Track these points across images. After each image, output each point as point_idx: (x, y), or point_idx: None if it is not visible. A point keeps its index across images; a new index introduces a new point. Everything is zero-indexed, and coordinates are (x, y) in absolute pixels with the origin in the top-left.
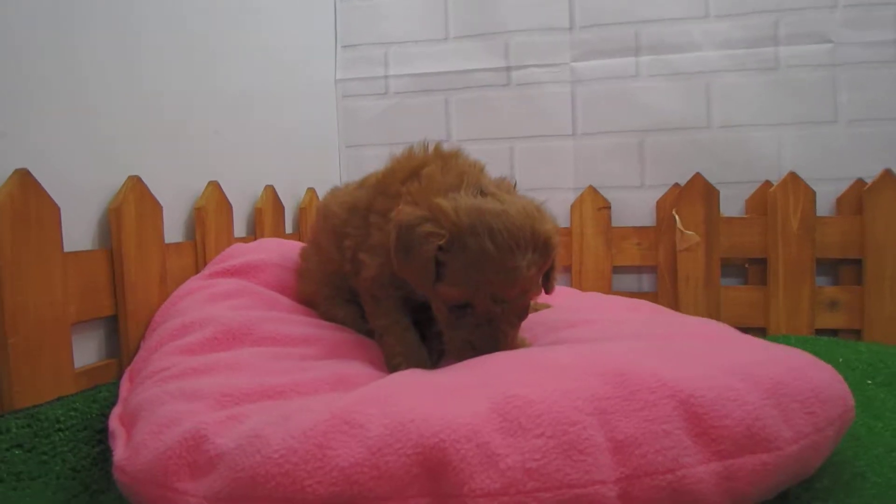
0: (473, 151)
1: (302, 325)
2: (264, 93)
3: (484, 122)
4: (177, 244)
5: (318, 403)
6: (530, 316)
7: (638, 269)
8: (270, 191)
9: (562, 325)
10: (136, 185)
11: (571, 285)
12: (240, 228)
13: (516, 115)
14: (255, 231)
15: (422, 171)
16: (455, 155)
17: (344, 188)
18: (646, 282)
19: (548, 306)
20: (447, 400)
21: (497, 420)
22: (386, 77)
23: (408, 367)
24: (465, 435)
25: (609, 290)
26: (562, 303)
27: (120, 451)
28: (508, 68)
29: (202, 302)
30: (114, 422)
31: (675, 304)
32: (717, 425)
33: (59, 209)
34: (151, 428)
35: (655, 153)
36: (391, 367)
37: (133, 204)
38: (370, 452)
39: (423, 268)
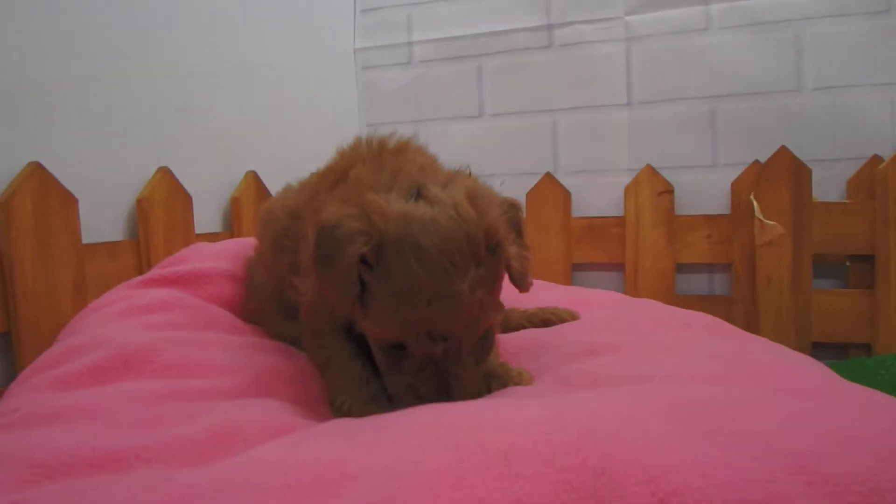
0: (511, 127)
1: (229, 348)
2: (270, 66)
3: (522, 91)
4: (112, 244)
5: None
6: (546, 333)
7: (709, 268)
8: (252, 178)
9: (580, 352)
10: (35, 172)
11: (625, 288)
12: (215, 223)
13: (560, 82)
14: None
15: (350, 172)
16: (399, 150)
17: (297, 187)
18: (718, 283)
19: (574, 316)
20: None
21: None
22: (409, 44)
23: (352, 405)
24: None
25: (672, 293)
26: (595, 313)
27: None
28: (550, 27)
29: (112, 317)
30: None
31: (753, 312)
32: None
33: None
34: None
35: (731, 124)
36: (335, 407)
37: (29, 196)
38: None
39: (343, 278)
